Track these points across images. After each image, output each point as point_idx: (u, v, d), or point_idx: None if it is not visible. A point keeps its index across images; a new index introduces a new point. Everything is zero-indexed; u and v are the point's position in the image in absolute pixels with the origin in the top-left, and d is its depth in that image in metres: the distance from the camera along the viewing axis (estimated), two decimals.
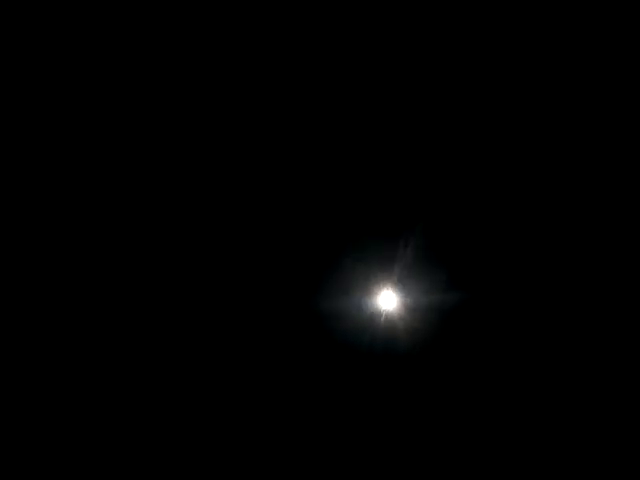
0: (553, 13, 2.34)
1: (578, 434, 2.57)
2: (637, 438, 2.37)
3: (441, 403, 2.82)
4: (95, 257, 2.68)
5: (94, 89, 2.56)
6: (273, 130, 2.71)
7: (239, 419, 2.76)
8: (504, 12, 2.40)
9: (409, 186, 2.81)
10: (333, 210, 2.85)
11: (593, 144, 2.57)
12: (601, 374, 2.61)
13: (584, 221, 2.65)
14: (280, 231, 2.84)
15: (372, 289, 2.89)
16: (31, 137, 2.58)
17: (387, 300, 2.89)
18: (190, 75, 2.60)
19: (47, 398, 2.53)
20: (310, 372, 2.89)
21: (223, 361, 2.83)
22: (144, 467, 2.52)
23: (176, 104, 2.64)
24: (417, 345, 2.83)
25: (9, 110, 2.51)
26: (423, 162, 2.77)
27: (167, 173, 2.73)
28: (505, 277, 2.73)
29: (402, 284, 2.86)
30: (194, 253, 2.81)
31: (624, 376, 2.58)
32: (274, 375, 2.84)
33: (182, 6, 2.38)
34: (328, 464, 2.76)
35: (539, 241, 2.72)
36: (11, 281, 2.56)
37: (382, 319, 2.88)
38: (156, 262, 2.75)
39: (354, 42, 2.56)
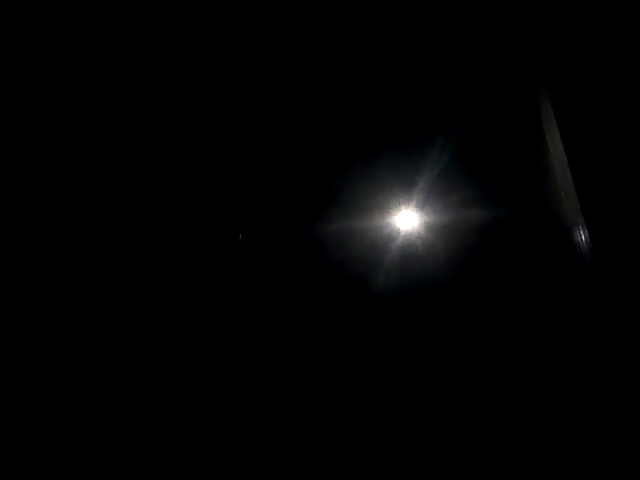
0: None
1: None
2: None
3: (462, 339, 2.45)
4: (94, 257, 2.64)
5: (94, 89, 2.58)
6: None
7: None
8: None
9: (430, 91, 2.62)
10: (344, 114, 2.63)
11: None
12: None
13: None
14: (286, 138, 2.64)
15: (388, 207, 2.62)
16: (31, 137, 2.58)
17: (405, 219, 2.61)
18: (190, 75, 2.61)
19: (47, 398, 2.46)
20: (318, 302, 2.58)
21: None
22: (144, 467, 2.41)
23: (176, 104, 2.67)
24: (437, 270, 2.51)
25: (9, 110, 2.52)
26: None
27: (165, 172, 2.72)
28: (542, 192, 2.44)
29: (422, 200, 2.59)
30: None
31: None
32: (277, 309, 2.57)
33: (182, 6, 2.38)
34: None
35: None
36: (11, 281, 2.53)
37: (399, 241, 2.58)
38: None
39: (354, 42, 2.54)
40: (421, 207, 2.60)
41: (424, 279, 2.53)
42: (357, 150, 2.73)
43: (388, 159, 2.67)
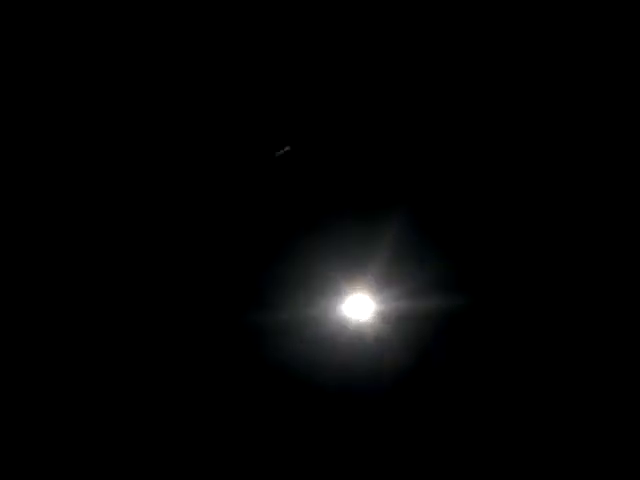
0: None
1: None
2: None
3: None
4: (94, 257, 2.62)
5: (94, 89, 2.52)
6: None
7: None
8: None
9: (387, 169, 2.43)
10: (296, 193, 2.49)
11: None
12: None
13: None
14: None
15: (340, 293, 2.44)
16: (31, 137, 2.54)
17: (358, 307, 2.43)
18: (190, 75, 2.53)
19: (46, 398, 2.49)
20: (262, 396, 2.47)
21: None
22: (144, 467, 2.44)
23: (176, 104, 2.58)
24: (392, 361, 2.36)
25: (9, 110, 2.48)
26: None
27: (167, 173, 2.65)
28: (499, 280, 2.28)
29: (376, 287, 2.40)
30: None
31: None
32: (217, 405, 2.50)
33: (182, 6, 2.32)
34: None
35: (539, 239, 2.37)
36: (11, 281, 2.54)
37: (351, 329, 2.42)
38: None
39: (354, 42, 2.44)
40: (374, 293, 2.43)
41: (375, 375, 2.38)
42: (304, 221, 2.55)
43: (340, 233, 2.49)
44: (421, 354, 2.34)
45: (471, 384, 2.35)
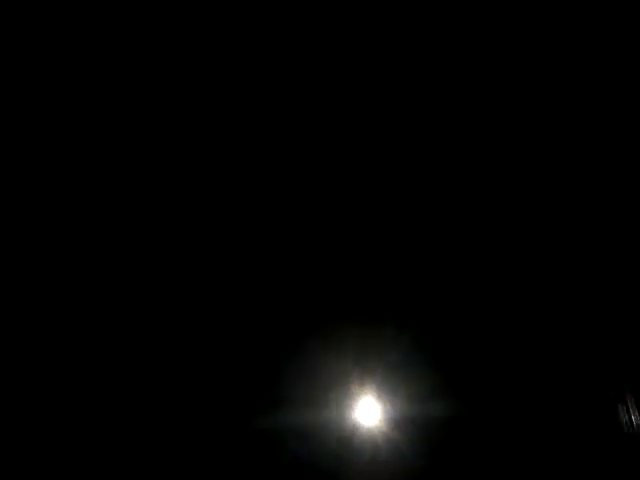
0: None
1: None
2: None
3: None
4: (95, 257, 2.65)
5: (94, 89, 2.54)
6: None
7: None
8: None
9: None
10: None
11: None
12: None
13: None
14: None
15: (348, 400, 2.50)
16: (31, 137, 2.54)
17: (366, 413, 2.49)
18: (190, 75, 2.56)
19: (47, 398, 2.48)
20: None
21: None
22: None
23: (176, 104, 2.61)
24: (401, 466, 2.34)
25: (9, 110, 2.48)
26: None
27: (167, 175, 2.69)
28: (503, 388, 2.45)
29: (384, 393, 2.50)
30: None
31: None
32: None
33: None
34: None
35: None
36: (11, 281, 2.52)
37: (360, 436, 2.43)
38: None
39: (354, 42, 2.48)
40: (381, 398, 2.51)
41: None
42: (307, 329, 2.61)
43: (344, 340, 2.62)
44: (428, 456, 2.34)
45: None
